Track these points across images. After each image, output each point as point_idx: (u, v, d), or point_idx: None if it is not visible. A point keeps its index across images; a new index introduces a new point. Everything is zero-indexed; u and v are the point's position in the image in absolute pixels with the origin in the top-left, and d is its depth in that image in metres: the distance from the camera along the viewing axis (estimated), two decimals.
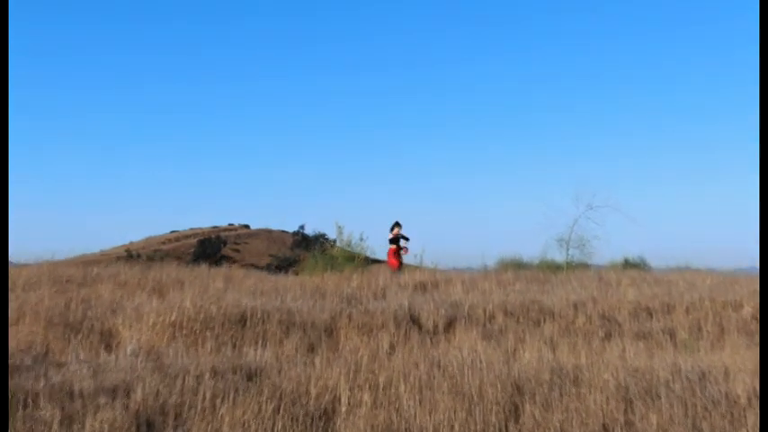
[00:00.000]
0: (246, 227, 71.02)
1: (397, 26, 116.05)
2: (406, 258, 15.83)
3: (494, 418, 4.94)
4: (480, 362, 6.14)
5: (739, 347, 7.86)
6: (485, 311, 8.94)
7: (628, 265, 18.40)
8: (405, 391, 5.26)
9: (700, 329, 9.22)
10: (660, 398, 5.42)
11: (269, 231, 67.66)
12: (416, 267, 17.30)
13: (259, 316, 7.67)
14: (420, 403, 5.08)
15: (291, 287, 10.57)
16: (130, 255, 52.74)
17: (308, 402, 5.07)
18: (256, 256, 59.18)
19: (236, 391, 5.12)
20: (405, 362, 6.14)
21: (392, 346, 7.30)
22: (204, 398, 4.93)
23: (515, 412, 5.13)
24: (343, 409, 5.05)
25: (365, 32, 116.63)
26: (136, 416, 4.68)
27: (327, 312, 8.10)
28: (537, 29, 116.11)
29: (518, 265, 17.03)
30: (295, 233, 62.46)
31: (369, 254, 17.57)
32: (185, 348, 6.77)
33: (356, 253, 17.24)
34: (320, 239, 38.75)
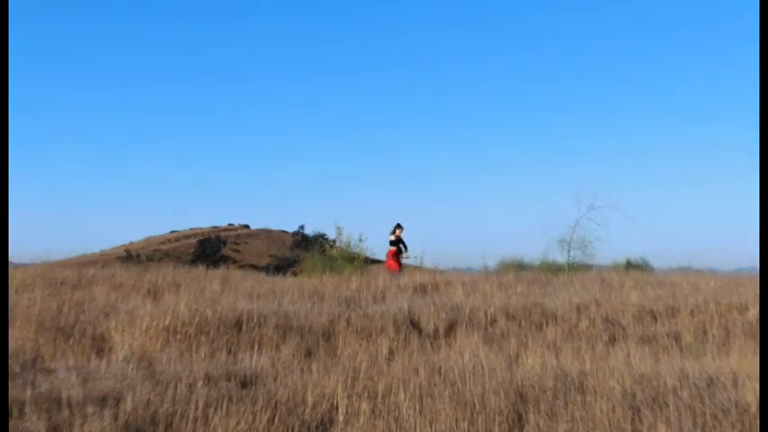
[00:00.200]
0: (246, 227, 70.97)
1: (397, 26, 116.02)
2: (408, 259, 15.65)
3: (497, 429, 4.77)
4: (482, 368, 5.97)
5: (746, 352, 7.69)
6: (486, 315, 8.77)
7: (630, 266, 18.23)
8: (404, 400, 5.09)
9: (705, 333, 9.06)
10: (668, 406, 5.25)
11: (269, 231, 67.59)
12: (416, 268, 17.15)
13: (255, 320, 7.49)
14: (420, 412, 4.91)
15: (289, 289, 10.39)
16: (130, 255, 52.69)
17: (304, 412, 4.90)
18: (256, 257, 59.10)
19: (230, 399, 4.95)
20: (404, 368, 5.97)
21: (391, 352, 7.13)
22: (197, 407, 4.76)
23: (519, 422, 4.96)
24: (341, 418, 4.88)
25: (365, 32, 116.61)
26: (125, 426, 4.51)
27: (325, 316, 7.93)
28: (537, 29, 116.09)
29: (519, 267, 16.87)
30: (295, 233, 62.42)
31: (368, 254, 17.42)
32: (179, 354, 6.60)
33: (356, 253, 17.08)
34: (320, 240, 38.62)
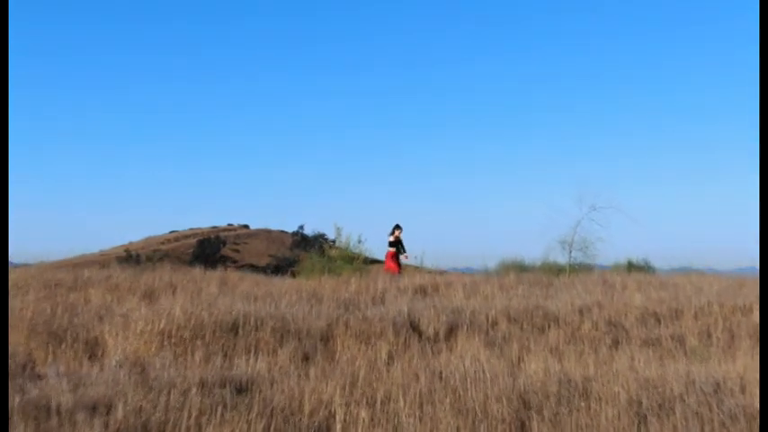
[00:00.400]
0: (246, 227, 70.75)
1: (397, 26, 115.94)
2: (408, 260, 15.54)
3: None
4: (484, 373, 5.82)
5: (752, 355, 7.55)
6: (487, 317, 8.63)
7: (631, 267, 18.11)
8: (404, 407, 4.94)
9: (709, 336, 8.92)
10: (675, 413, 5.11)
11: (268, 231, 67.38)
12: (416, 268, 17.05)
13: (252, 323, 7.34)
14: (420, 420, 4.76)
15: (287, 291, 10.25)
16: (130, 255, 52.44)
17: (300, 420, 4.76)
18: (256, 257, 58.90)
19: (224, 406, 4.79)
20: (404, 373, 5.83)
21: (391, 356, 6.98)
22: (190, 415, 4.61)
23: (522, 430, 4.82)
24: (339, 426, 4.73)
25: (365, 32, 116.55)
26: None
27: (324, 319, 7.78)
28: (537, 29, 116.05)
29: (520, 268, 16.74)
30: (294, 233, 62.18)
31: (368, 254, 17.35)
32: (174, 358, 6.45)
33: (355, 254, 16.99)
34: (319, 240, 38.51)
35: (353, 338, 7.41)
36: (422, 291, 11.08)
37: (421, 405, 5.00)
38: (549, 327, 8.62)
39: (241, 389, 5.39)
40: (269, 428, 4.54)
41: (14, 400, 4.77)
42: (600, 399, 5.35)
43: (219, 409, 4.73)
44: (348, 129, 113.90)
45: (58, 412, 4.62)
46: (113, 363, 6.09)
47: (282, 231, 65.87)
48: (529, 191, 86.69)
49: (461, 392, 5.25)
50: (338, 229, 16.95)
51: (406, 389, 5.28)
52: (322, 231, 44.43)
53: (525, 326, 8.59)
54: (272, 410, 4.80)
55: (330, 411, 4.90)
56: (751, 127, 78.47)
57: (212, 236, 64.51)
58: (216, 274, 12.73)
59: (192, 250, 59.41)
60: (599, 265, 18.20)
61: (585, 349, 7.79)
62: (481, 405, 5.03)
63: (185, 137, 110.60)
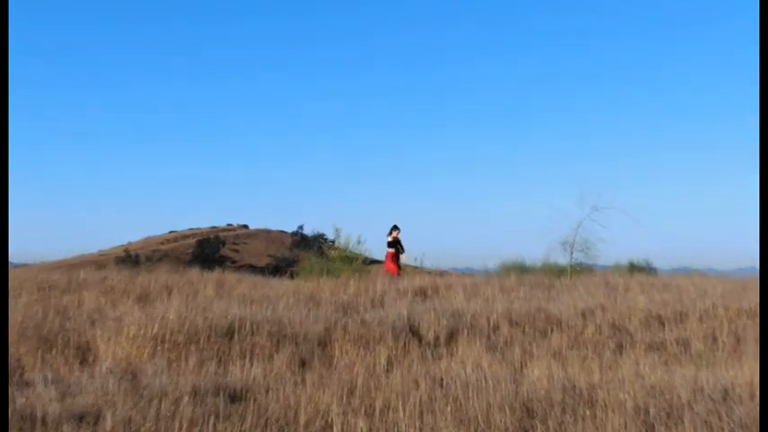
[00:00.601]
0: (245, 227, 70.61)
1: (397, 26, 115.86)
2: (407, 259, 15.43)
3: None
4: (485, 380, 5.65)
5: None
6: (488, 321, 8.45)
7: (633, 268, 17.94)
8: (404, 417, 4.77)
9: (715, 340, 8.75)
10: (683, 422, 4.94)
11: (268, 231, 67.26)
12: (415, 268, 16.90)
13: (248, 328, 7.16)
14: (420, 431, 4.59)
15: (285, 294, 10.07)
16: (129, 255, 52.31)
17: (296, 430, 4.58)
18: (255, 257, 58.80)
19: (217, 416, 4.62)
20: (404, 380, 5.66)
21: (390, 361, 6.80)
22: (181, 426, 4.43)
23: None
24: None
25: (365, 32, 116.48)
26: None
27: (321, 323, 7.60)
28: (537, 29, 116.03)
29: (521, 269, 16.57)
30: (294, 233, 62.06)
31: (367, 254, 17.22)
32: (167, 364, 6.27)
33: (354, 255, 16.84)
34: (319, 240, 38.37)
35: (352, 343, 7.23)
36: (422, 293, 10.90)
37: (421, 414, 4.84)
38: (551, 330, 8.45)
39: (235, 397, 5.22)
40: None
41: None
42: (606, 407, 5.18)
43: (212, 419, 4.55)
44: (348, 129, 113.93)
45: (44, 422, 4.45)
46: (104, 369, 5.90)
47: (282, 231, 65.78)
48: (529, 191, 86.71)
49: (463, 401, 5.08)
50: (337, 230, 16.80)
51: (405, 397, 5.11)
52: (321, 231, 44.30)
53: (527, 329, 8.42)
54: (266, 421, 4.63)
55: (327, 421, 4.73)
56: (751, 127, 78.32)
57: (212, 236, 64.38)
58: (213, 276, 12.54)
59: (191, 250, 59.32)
60: (600, 265, 18.07)
61: (589, 354, 7.63)
62: (483, 414, 4.86)
63: (185, 137, 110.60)
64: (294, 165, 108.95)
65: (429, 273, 17.40)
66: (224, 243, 63.03)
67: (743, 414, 5.12)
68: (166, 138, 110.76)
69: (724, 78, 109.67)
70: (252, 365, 6.30)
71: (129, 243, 61.84)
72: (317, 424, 4.70)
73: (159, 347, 6.68)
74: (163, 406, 4.73)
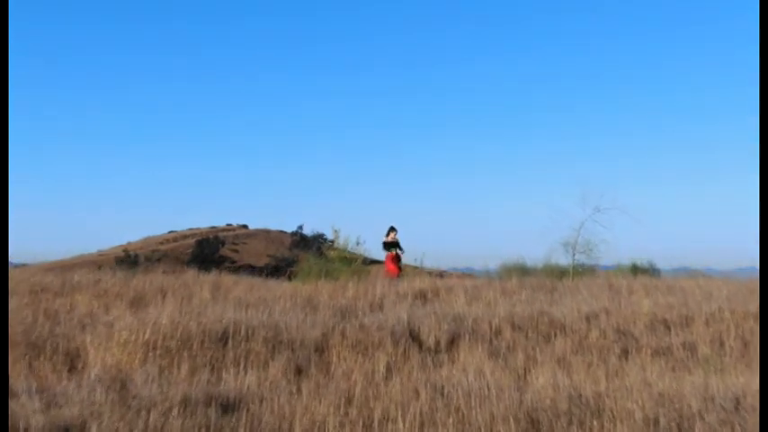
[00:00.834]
0: (245, 227, 70.35)
1: (397, 26, 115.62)
2: (407, 259, 15.31)
3: None
4: (488, 388, 5.44)
5: None
6: (490, 325, 8.23)
7: (636, 269, 17.71)
8: (403, 429, 4.56)
9: (722, 344, 8.53)
10: None
11: (267, 232, 67.00)
12: (415, 268, 16.70)
13: (243, 333, 6.93)
14: None
15: (282, 296, 9.85)
16: (128, 255, 52.02)
17: None
18: (255, 257, 58.51)
19: (208, 429, 4.41)
20: (403, 388, 5.44)
21: (389, 368, 6.58)
22: None
23: None
24: None
25: (365, 32, 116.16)
26: None
27: (319, 328, 7.37)
28: (537, 29, 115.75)
29: (522, 271, 16.34)
30: (293, 233, 61.80)
31: (367, 255, 17.00)
32: (158, 372, 6.04)
33: (353, 255, 16.62)
34: (318, 241, 38.13)
35: (350, 349, 7.01)
36: (422, 296, 10.68)
37: (422, 426, 4.64)
38: (555, 335, 8.23)
39: (228, 407, 5.01)
40: None
41: None
42: (614, 417, 4.99)
43: None
44: (348, 129, 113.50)
45: None
46: (92, 377, 5.68)
47: (281, 231, 65.50)
48: (529, 191, 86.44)
49: (465, 411, 4.88)
50: (336, 231, 16.58)
51: (405, 407, 4.91)
52: (321, 231, 44.06)
53: (530, 334, 8.20)
54: None
55: None
56: (751, 127, 78.07)
57: (211, 236, 64.09)
58: (209, 278, 12.30)
59: (190, 250, 59.03)
60: (601, 266, 17.85)
61: (594, 360, 7.43)
62: (487, 426, 4.66)
63: (185, 137, 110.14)
64: (294, 165, 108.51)
65: (429, 273, 17.21)
66: (223, 243, 62.73)
67: (757, 424, 4.92)
68: (166, 138, 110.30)
69: (724, 78, 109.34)
70: (246, 373, 6.08)
71: (129, 243, 61.55)
72: None
73: (151, 354, 6.47)
74: (151, 418, 4.52)
